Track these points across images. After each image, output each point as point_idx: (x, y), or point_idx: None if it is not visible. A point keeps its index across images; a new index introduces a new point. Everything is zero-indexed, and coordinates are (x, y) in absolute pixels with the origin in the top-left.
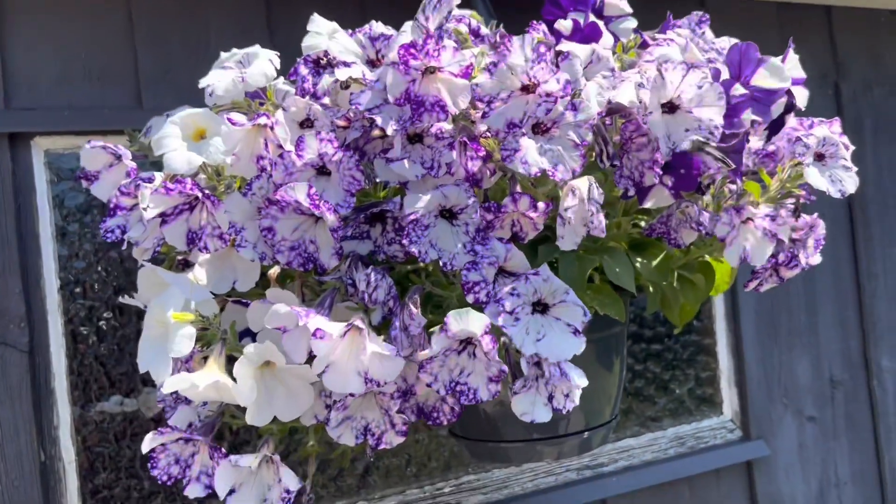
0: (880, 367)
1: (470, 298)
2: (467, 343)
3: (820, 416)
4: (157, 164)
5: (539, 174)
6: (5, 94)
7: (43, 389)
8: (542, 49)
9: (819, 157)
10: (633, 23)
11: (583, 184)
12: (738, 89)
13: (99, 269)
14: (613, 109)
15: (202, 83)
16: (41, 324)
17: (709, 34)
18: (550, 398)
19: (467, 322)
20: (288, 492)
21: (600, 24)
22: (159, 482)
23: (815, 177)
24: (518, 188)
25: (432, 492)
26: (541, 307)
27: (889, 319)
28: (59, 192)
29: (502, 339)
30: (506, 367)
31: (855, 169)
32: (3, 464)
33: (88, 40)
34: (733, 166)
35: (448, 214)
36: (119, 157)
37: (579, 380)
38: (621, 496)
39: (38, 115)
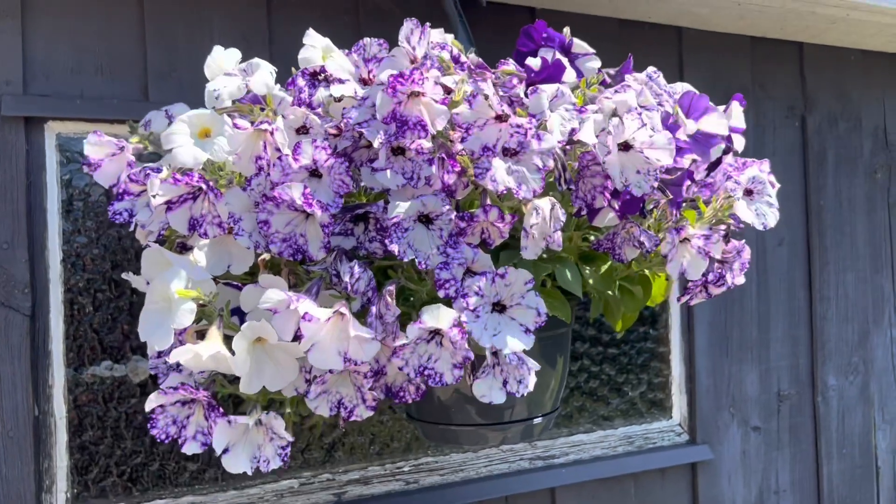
0: (826, 384)
1: (441, 293)
2: (436, 333)
3: (765, 426)
4: (153, 155)
5: (505, 192)
6: (24, 81)
7: (41, 350)
8: (514, 81)
9: (748, 193)
10: (596, 62)
11: (545, 204)
12: (683, 135)
13: (99, 244)
14: (573, 141)
15: (210, 87)
16: (43, 291)
17: (661, 80)
18: (505, 383)
19: (437, 317)
20: (283, 447)
21: (566, 61)
22: (158, 440)
23: (743, 210)
24: (488, 201)
25: (392, 469)
26: (500, 307)
27: (838, 340)
28: (66, 172)
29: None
30: (471, 354)
31: (777, 206)
32: (1, 415)
33: (102, 36)
34: (671, 197)
35: (426, 220)
36: (122, 149)
37: (533, 366)
38: (570, 486)
39: (52, 102)
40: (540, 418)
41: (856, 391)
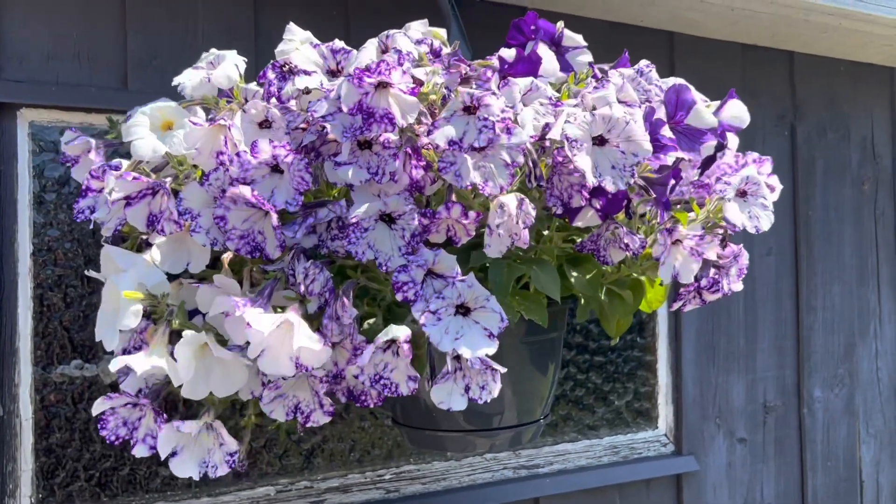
0: (812, 396)
1: (399, 297)
2: (392, 342)
3: (751, 438)
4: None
5: (470, 187)
6: None
7: (7, 347)
8: (489, 74)
9: (742, 194)
10: (588, 56)
11: (511, 200)
12: (667, 132)
13: (72, 238)
14: (545, 135)
15: (175, 81)
16: (11, 285)
17: (653, 75)
18: (467, 389)
19: (391, 332)
20: (231, 454)
21: (549, 55)
22: (108, 442)
23: (734, 212)
24: (454, 197)
25: (373, 477)
26: (463, 310)
27: (824, 352)
28: (39, 162)
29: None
30: (417, 375)
31: (772, 209)
32: None
33: (81, 21)
34: (654, 196)
35: (388, 219)
36: (93, 147)
37: (498, 370)
38: (554, 497)
39: (27, 88)
40: (529, 425)
41: (841, 404)
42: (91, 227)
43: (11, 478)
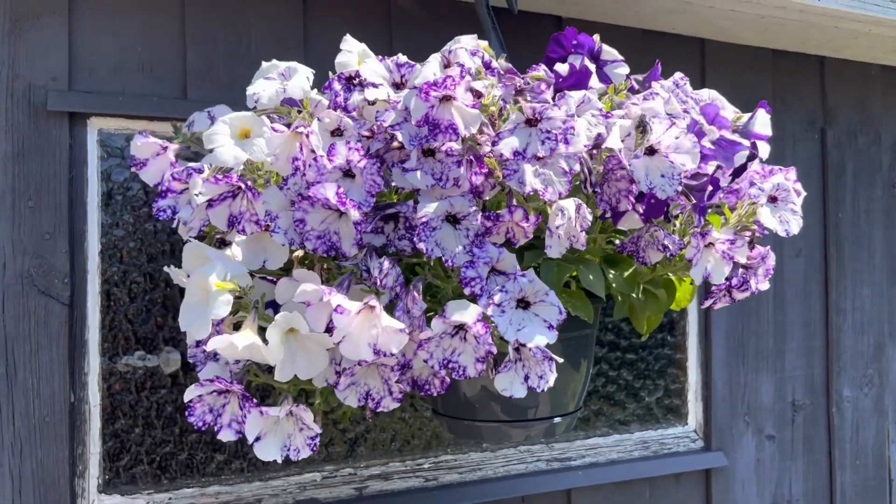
0: (841, 395)
1: (467, 291)
2: (460, 328)
3: (779, 435)
4: (196, 155)
5: (532, 193)
6: (69, 77)
7: (78, 339)
8: (542, 87)
9: (772, 200)
10: (625, 69)
11: (570, 205)
12: (707, 143)
13: (135, 238)
14: (598, 144)
15: (250, 90)
16: (81, 281)
17: (688, 87)
18: (526, 378)
19: (462, 313)
20: (312, 438)
21: (593, 68)
22: (195, 428)
23: (767, 216)
24: (514, 202)
25: (413, 466)
26: (524, 304)
27: (854, 352)
28: (106, 167)
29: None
30: (494, 349)
31: (801, 214)
32: (39, 401)
33: (144, 36)
34: (694, 202)
35: (453, 219)
36: (165, 149)
37: (556, 361)
38: (585, 489)
39: (96, 98)
40: (562, 418)
41: (870, 403)
42: (172, 225)
43: (81, 460)
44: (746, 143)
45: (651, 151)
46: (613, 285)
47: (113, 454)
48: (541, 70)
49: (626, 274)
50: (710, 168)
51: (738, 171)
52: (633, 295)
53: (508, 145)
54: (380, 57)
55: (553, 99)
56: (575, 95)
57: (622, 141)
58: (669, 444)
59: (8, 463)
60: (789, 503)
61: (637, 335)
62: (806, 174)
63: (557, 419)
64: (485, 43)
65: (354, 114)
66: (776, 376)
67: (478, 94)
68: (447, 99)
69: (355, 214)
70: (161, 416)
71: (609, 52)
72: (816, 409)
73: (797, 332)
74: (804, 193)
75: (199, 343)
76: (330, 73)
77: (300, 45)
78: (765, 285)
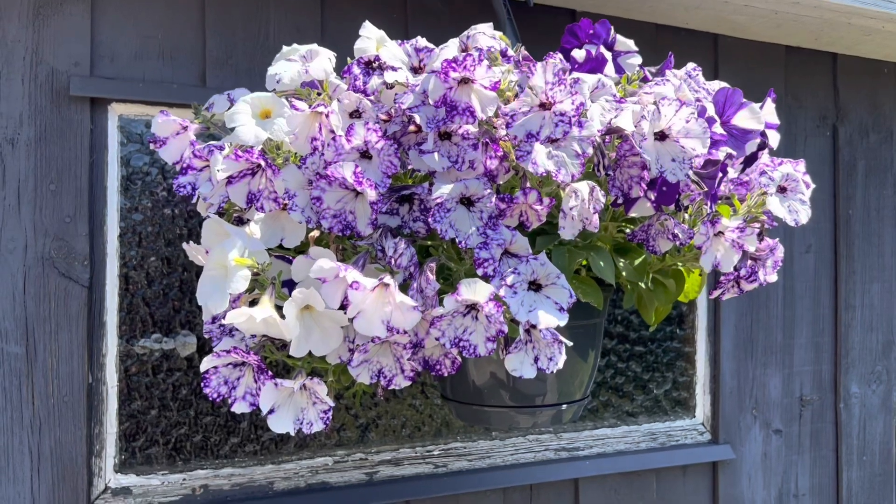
0: (849, 391)
1: (479, 272)
2: (472, 307)
3: (786, 430)
4: (213, 137)
5: (545, 175)
6: (91, 63)
7: (96, 321)
8: (561, 74)
9: (781, 190)
10: (638, 59)
11: (583, 187)
12: (718, 129)
13: (153, 222)
14: (612, 129)
15: (271, 70)
16: (100, 264)
17: (700, 78)
18: (536, 359)
19: (475, 291)
20: (325, 412)
21: (608, 55)
22: (210, 399)
23: (776, 205)
24: (528, 184)
25: (423, 452)
26: (535, 286)
27: (862, 349)
28: (126, 152)
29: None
30: (505, 328)
31: (809, 204)
32: (58, 381)
33: (165, 24)
34: (706, 189)
35: (467, 202)
36: (185, 128)
37: (565, 343)
38: (593, 478)
39: (117, 84)
40: (568, 405)
41: (878, 400)
42: (192, 201)
43: (98, 439)
44: (760, 127)
45: (662, 136)
46: (623, 273)
47: (129, 435)
48: (556, 58)
49: (637, 262)
50: (720, 154)
51: (749, 161)
52: (642, 284)
53: (523, 127)
54: (399, 42)
55: (570, 84)
56: (589, 80)
57: (634, 126)
58: (677, 435)
59: (27, 441)
60: (795, 497)
61: (646, 327)
62: (817, 171)
63: (564, 406)
64: (500, 34)
65: (373, 97)
66: (784, 371)
67: (495, 80)
68: (465, 81)
69: (371, 194)
70: (177, 398)
71: (623, 42)
72: (824, 404)
73: (806, 328)
74: (813, 185)
75: (214, 319)
76: (349, 60)
77: (318, 35)
78: (773, 277)
